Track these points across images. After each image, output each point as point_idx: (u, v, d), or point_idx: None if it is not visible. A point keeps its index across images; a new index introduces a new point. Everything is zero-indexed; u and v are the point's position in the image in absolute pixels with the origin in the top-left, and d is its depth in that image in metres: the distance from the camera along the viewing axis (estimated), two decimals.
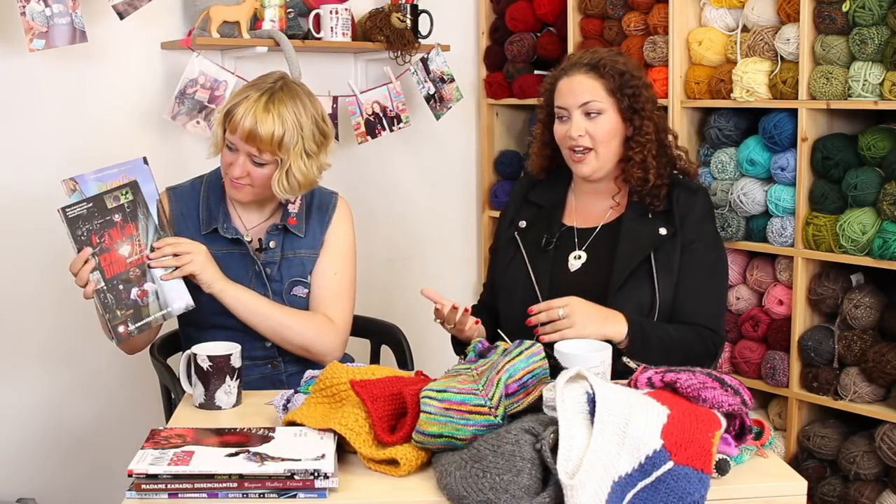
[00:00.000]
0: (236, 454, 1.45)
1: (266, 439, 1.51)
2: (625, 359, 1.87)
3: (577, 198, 2.23)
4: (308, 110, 2.03)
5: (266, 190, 2.06)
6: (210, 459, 1.43)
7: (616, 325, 1.96)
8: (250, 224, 2.15)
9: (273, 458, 1.43)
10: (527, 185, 2.30)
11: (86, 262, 1.86)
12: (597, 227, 2.16)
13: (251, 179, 2.03)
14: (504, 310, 2.17)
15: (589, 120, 2.09)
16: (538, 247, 2.17)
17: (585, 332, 1.89)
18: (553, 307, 1.93)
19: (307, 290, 2.13)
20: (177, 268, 1.97)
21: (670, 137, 2.18)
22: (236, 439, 1.52)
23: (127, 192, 1.94)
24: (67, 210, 1.85)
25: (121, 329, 1.89)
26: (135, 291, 1.91)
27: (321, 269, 2.14)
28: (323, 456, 1.44)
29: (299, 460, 1.42)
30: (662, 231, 2.08)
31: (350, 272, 2.18)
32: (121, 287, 1.90)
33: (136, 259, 1.93)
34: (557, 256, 2.15)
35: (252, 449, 1.47)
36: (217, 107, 2.10)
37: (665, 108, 2.88)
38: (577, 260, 2.14)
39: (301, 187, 2.06)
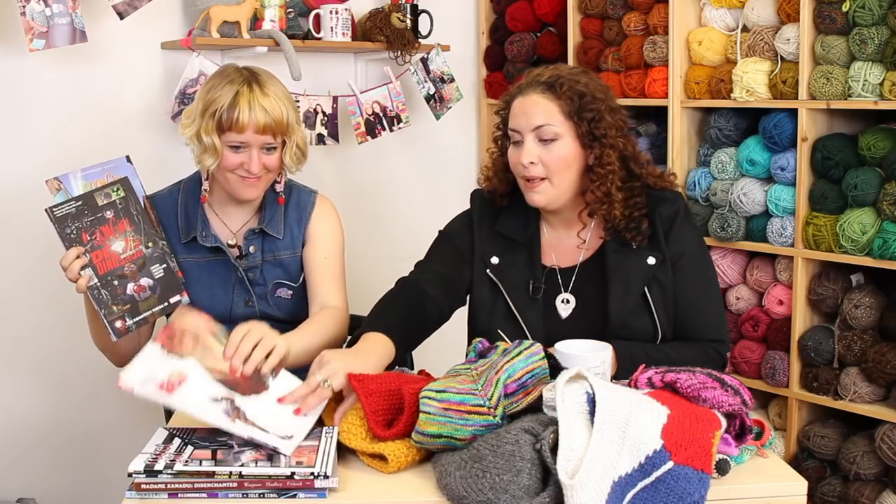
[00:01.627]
0: (220, 400, 1.51)
1: (259, 389, 1.57)
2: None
3: (551, 232, 2.01)
4: (280, 82, 2.06)
5: (275, 175, 2.07)
6: (193, 398, 1.51)
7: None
8: (235, 227, 2.12)
9: (247, 421, 1.49)
10: (489, 209, 2.04)
11: (77, 258, 1.85)
12: (575, 267, 1.97)
13: (266, 169, 2.02)
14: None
15: (542, 146, 1.87)
16: (524, 293, 1.95)
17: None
18: None
19: (291, 292, 2.12)
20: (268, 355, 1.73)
21: (641, 162, 1.95)
22: (233, 380, 1.57)
23: (119, 189, 1.94)
24: (55, 209, 1.84)
25: (118, 324, 1.89)
26: (131, 287, 1.91)
27: (310, 259, 2.12)
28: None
29: (266, 432, 1.47)
30: (651, 261, 1.90)
31: (339, 257, 2.16)
32: (115, 283, 1.89)
33: (132, 255, 1.92)
34: (546, 303, 1.95)
35: (237, 400, 1.52)
36: (183, 117, 2.05)
37: (665, 109, 2.88)
38: (565, 304, 1.96)
39: (304, 155, 2.09)
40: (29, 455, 2.72)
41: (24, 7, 2.37)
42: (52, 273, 2.69)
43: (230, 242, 2.10)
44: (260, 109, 1.95)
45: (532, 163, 1.87)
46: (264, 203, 2.12)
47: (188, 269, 2.06)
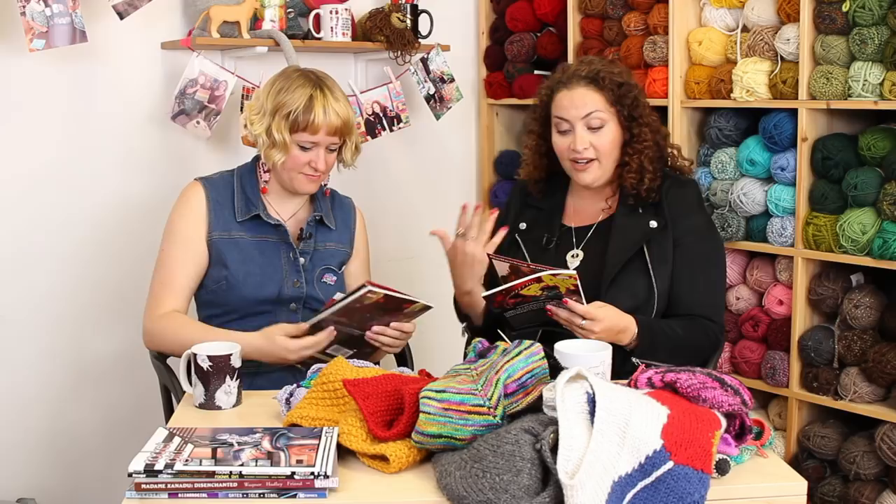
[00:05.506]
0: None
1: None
2: (634, 359, 1.98)
3: (574, 199, 2.27)
4: (339, 85, 2.19)
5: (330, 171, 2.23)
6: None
7: (627, 332, 1.97)
8: (286, 214, 2.23)
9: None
10: (524, 190, 2.33)
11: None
12: (592, 227, 2.20)
13: (327, 167, 2.16)
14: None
15: (592, 133, 2.12)
16: (539, 246, 2.21)
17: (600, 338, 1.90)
18: (584, 314, 1.91)
19: (335, 278, 2.24)
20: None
21: (664, 135, 2.21)
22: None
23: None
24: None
25: None
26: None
27: (360, 273, 2.30)
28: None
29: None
30: (653, 224, 2.12)
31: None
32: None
33: None
34: (558, 255, 2.19)
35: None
36: (249, 114, 2.18)
37: (665, 109, 2.88)
38: (574, 258, 2.18)
39: (359, 150, 2.24)
40: (29, 455, 2.72)
41: (24, 7, 2.37)
42: (51, 272, 2.69)
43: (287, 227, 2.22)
44: (333, 113, 2.10)
45: (585, 148, 2.12)
46: (314, 195, 2.25)
47: (244, 245, 2.15)
